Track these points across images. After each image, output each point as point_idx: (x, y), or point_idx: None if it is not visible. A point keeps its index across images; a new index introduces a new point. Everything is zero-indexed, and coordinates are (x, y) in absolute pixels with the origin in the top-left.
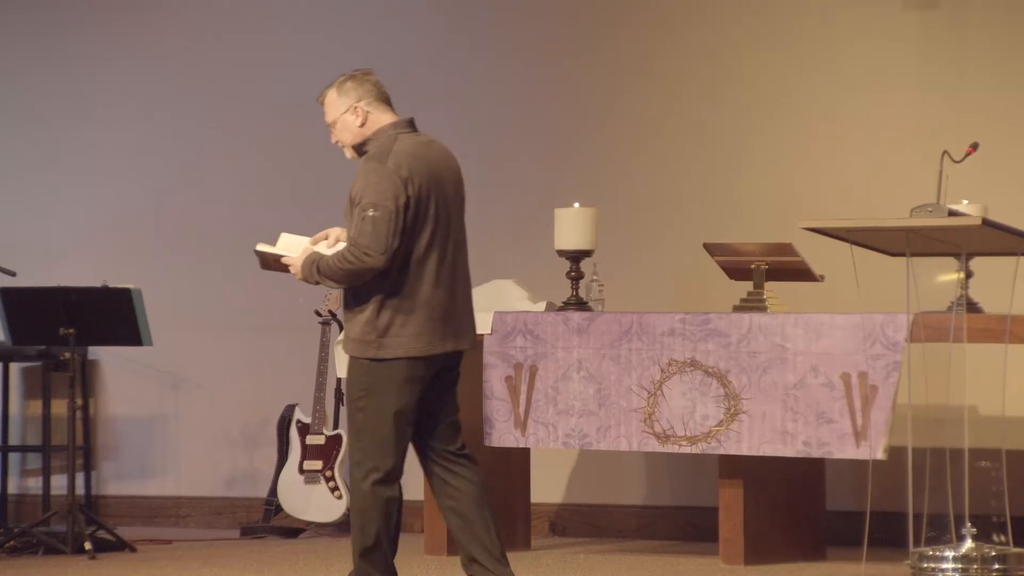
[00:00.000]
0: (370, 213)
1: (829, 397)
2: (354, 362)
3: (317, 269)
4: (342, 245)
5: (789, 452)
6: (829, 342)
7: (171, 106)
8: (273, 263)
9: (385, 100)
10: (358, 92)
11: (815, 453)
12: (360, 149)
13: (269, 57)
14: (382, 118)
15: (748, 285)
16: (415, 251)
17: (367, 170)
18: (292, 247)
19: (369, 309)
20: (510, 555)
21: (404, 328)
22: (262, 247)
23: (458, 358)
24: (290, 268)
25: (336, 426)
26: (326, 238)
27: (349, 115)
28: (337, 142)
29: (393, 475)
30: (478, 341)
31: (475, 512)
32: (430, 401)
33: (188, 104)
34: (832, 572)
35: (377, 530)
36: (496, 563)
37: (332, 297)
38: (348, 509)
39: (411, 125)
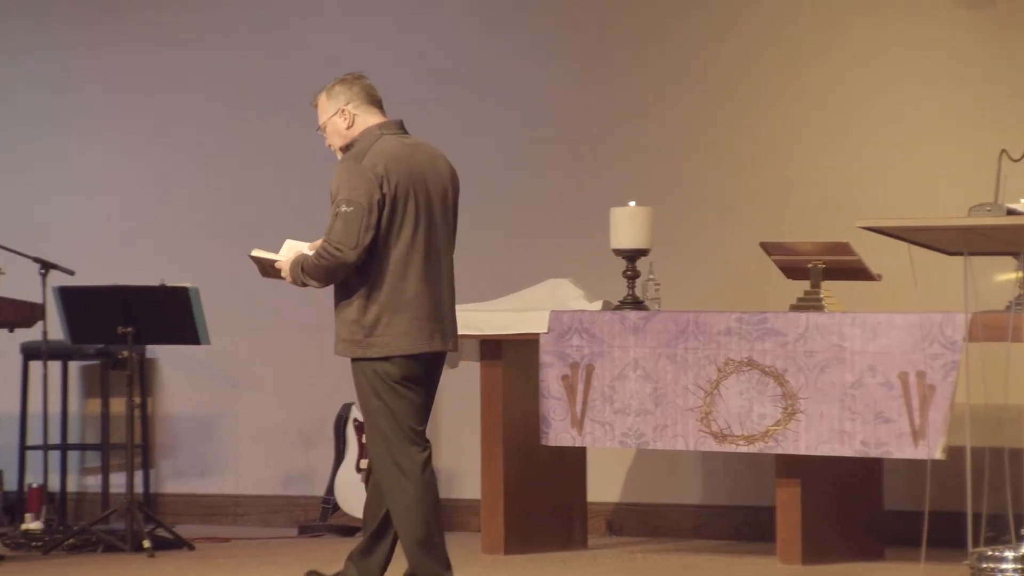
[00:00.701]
0: (343, 209)
1: (887, 396)
2: (354, 366)
3: (301, 269)
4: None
5: (847, 452)
6: (887, 341)
7: (230, 104)
8: (270, 269)
9: (374, 103)
10: (347, 95)
11: (873, 453)
12: (347, 151)
13: (321, 56)
14: (369, 120)
15: (805, 284)
16: (397, 249)
17: (342, 168)
18: (294, 253)
19: (355, 308)
20: (567, 554)
21: (390, 327)
22: (257, 253)
23: (442, 360)
24: (281, 272)
25: None
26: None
27: (337, 118)
28: (329, 146)
29: (421, 461)
30: (533, 339)
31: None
32: None
33: (247, 101)
34: (890, 572)
35: (425, 519)
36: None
37: None
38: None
39: (399, 127)
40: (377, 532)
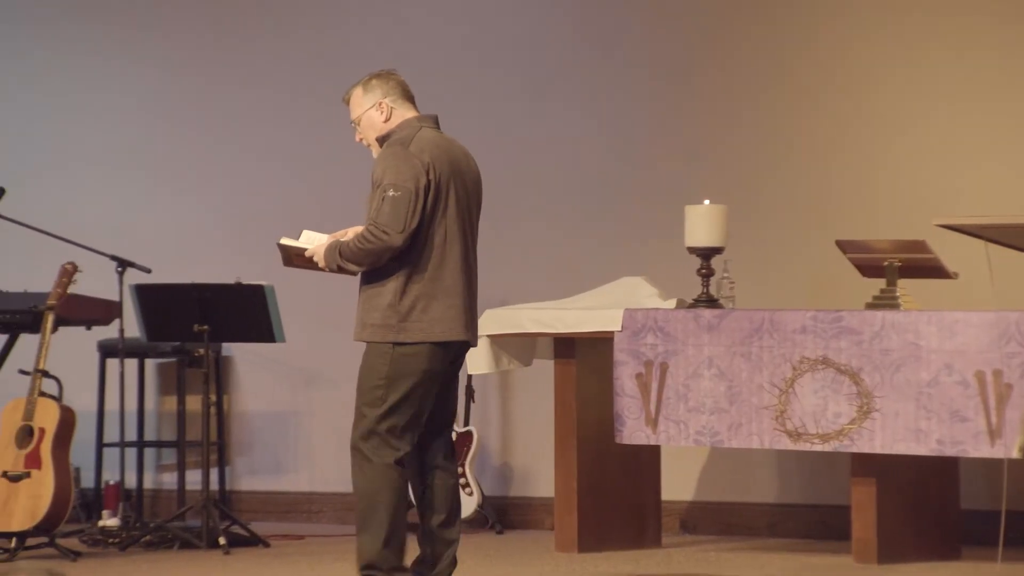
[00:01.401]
0: (390, 193)
1: (963, 395)
2: (374, 348)
3: (339, 253)
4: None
5: (922, 450)
6: (963, 340)
7: (306, 100)
8: (296, 258)
9: (409, 98)
10: (383, 89)
11: (949, 451)
12: (383, 143)
13: (397, 54)
14: (406, 113)
15: (880, 282)
16: (437, 237)
17: (388, 153)
18: (314, 243)
19: (391, 293)
20: (641, 552)
21: (425, 313)
22: (286, 241)
23: (465, 352)
24: (314, 258)
25: (467, 423)
26: (345, 235)
27: (374, 111)
28: (361, 139)
29: (405, 460)
30: (607, 337)
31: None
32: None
33: (323, 97)
34: (967, 571)
35: (391, 516)
36: None
37: None
38: (480, 506)
39: (435, 122)
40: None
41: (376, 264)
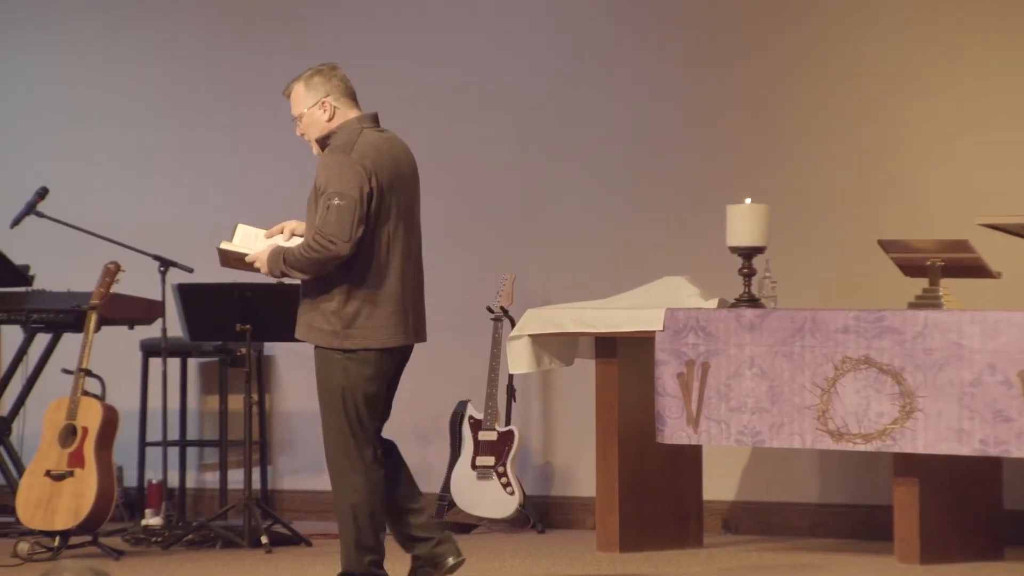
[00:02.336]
0: (335, 202)
1: (1006, 395)
2: (323, 355)
3: (284, 260)
4: (297, 240)
5: (965, 450)
6: (1006, 340)
7: None
8: (234, 260)
9: (351, 95)
10: (326, 87)
11: (992, 452)
12: (323, 143)
13: (428, 56)
14: (348, 113)
15: (923, 282)
16: (380, 243)
17: (331, 161)
18: (248, 239)
19: (336, 299)
20: (682, 552)
21: (369, 320)
22: (225, 245)
23: (409, 354)
24: (255, 263)
25: (508, 422)
26: (281, 231)
27: (317, 109)
28: (302, 135)
29: (373, 460)
30: (648, 337)
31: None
32: None
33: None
34: (1010, 572)
35: (369, 521)
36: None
37: (504, 293)
38: (521, 505)
39: (375, 120)
40: (400, 512)
41: (321, 272)
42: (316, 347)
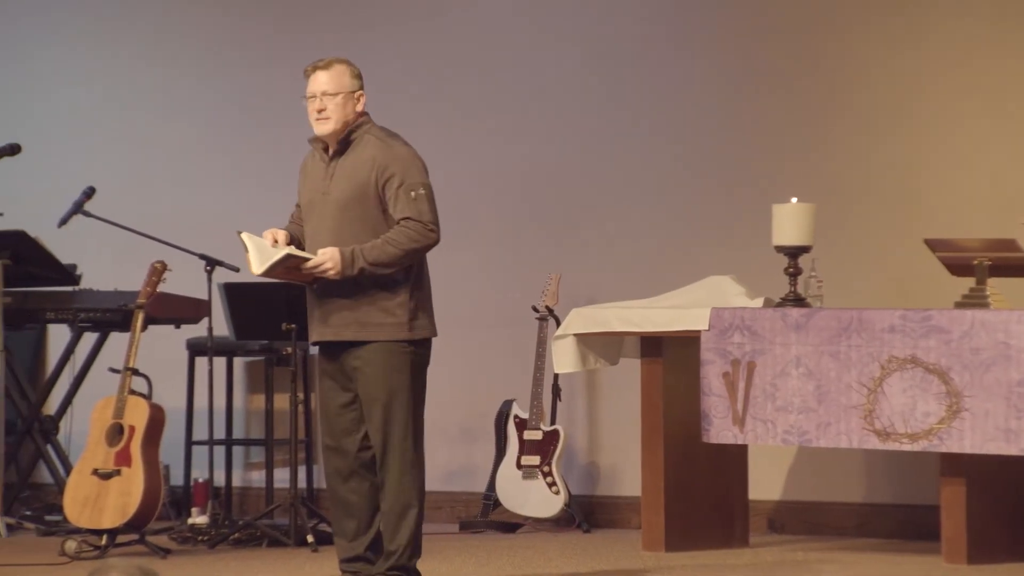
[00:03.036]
0: (422, 192)
1: None
2: (387, 348)
3: (368, 259)
4: (287, 249)
5: (1012, 450)
6: None
7: (392, 100)
8: (285, 270)
9: None
10: (361, 84)
11: None
12: (339, 133)
13: (471, 56)
14: (362, 116)
15: (970, 281)
16: None
17: (404, 153)
18: (263, 248)
19: (402, 292)
20: (728, 552)
21: (425, 311)
22: (289, 251)
23: None
24: (321, 267)
25: (553, 421)
26: (276, 240)
27: (352, 98)
28: (321, 111)
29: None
30: (694, 336)
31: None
32: None
33: (410, 97)
34: None
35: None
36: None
37: (549, 293)
38: (566, 504)
39: None
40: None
41: (413, 262)
42: (374, 343)
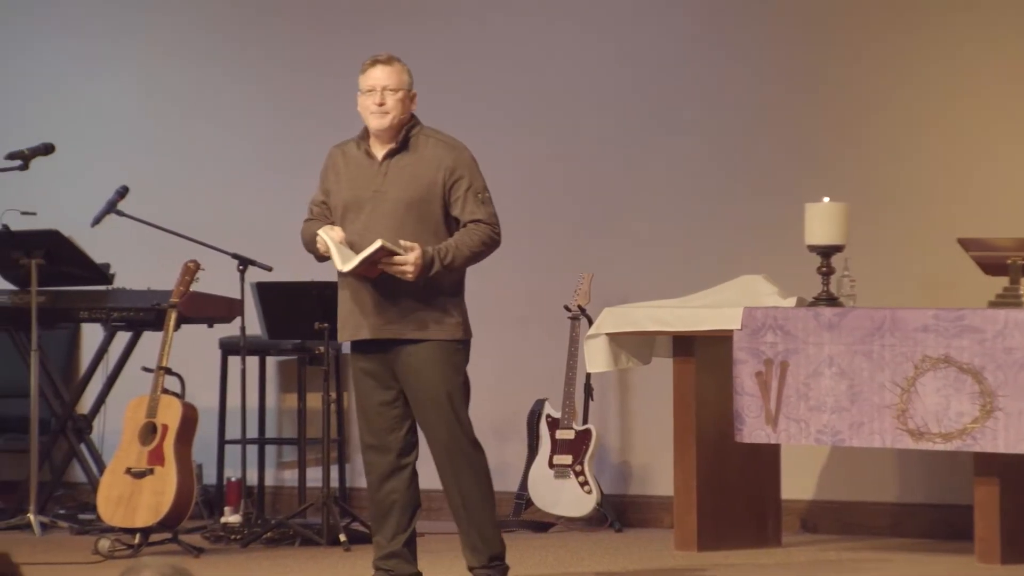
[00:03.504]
0: (488, 195)
1: None
2: (446, 347)
3: (444, 262)
4: (380, 241)
5: None
6: None
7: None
8: (368, 264)
9: None
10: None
11: None
12: (394, 130)
13: (510, 59)
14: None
15: (1003, 281)
16: None
17: (469, 158)
18: (344, 251)
19: (459, 292)
20: (761, 551)
21: (466, 310)
22: (356, 260)
23: None
24: (404, 267)
25: (586, 421)
26: (342, 241)
27: (409, 97)
28: (382, 104)
29: None
30: (726, 336)
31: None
32: None
33: (444, 93)
34: None
35: None
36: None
37: (582, 292)
38: (599, 504)
39: None
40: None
41: (475, 264)
42: (431, 342)
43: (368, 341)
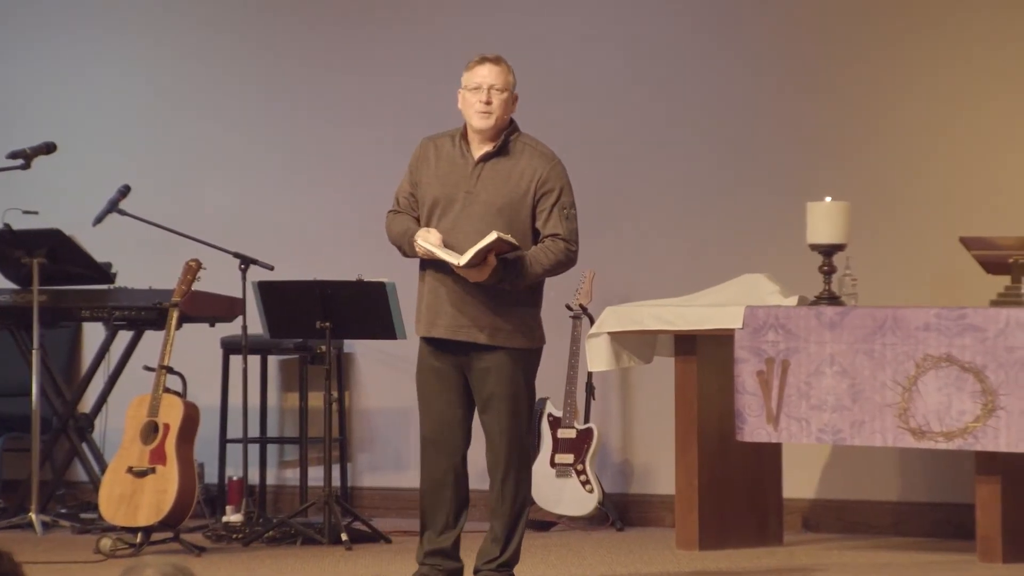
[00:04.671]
0: (574, 211)
1: None
2: (522, 355)
3: (521, 273)
4: (495, 233)
5: None
6: None
7: (428, 96)
8: (478, 259)
9: None
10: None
11: None
12: (494, 131)
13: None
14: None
15: (1005, 279)
16: None
17: (562, 170)
18: (450, 251)
19: (538, 302)
20: (762, 551)
21: (539, 321)
22: (472, 252)
23: None
24: (480, 270)
25: (587, 420)
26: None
27: (512, 99)
28: (487, 103)
29: None
30: (728, 335)
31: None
32: None
33: (445, 94)
34: None
35: None
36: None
37: (583, 291)
38: (600, 503)
39: None
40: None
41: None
42: (507, 349)
43: (439, 340)
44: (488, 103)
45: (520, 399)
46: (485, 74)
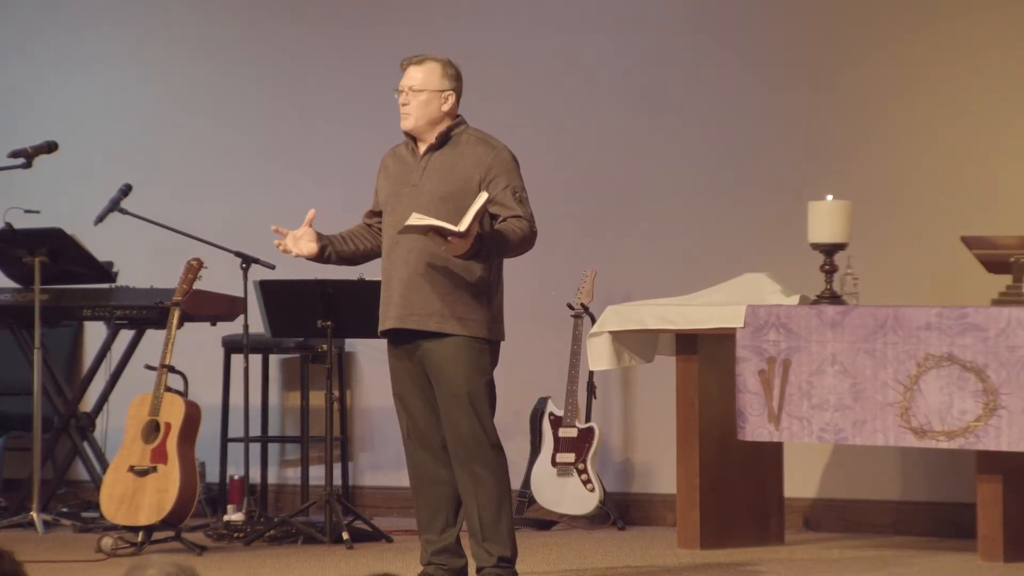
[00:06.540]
0: (526, 195)
1: None
2: (470, 344)
3: (497, 243)
4: (482, 197)
5: None
6: None
7: None
8: (428, 230)
9: None
10: (457, 85)
11: None
12: (422, 131)
13: (512, 58)
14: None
15: (1006, 279)
16: None
17: (509, 157)
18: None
19: (491, 290)
20: (763, 550)
21: (501, 314)
22: (470, 215)
23: None
24: (450, 240)
25: (588, 419)
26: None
27: (438, 97)
28: (404, 106)
29: None
30: (729, 334)
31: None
32: None
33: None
34: None
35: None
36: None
37: (585, 290)
38: (601, 502)
39: None
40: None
41: (512, 257)
42: (455, 336)
43: (397, 332)
44: (405, 104)
45: (479, 390)
46: (406, 76)
